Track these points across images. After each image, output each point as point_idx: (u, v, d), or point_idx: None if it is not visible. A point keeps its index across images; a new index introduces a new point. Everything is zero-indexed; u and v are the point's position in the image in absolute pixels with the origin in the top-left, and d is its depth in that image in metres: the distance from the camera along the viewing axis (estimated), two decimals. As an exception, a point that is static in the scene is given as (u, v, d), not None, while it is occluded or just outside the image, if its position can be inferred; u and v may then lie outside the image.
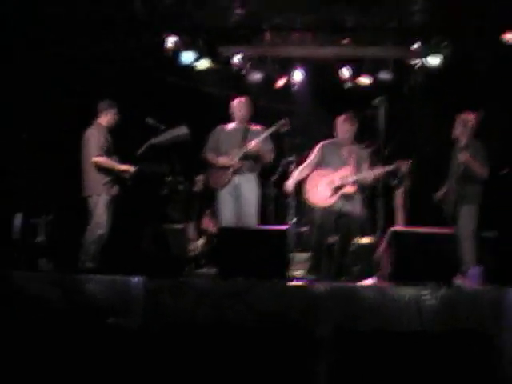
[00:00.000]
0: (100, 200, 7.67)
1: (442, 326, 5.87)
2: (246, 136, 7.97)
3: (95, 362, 5.86)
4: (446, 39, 9.21)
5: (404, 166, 7.64)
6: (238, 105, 8.11)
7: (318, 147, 8.03)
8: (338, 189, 7.73)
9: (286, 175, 8.89)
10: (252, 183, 8.01)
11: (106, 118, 7.89)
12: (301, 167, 8.09)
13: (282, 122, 7.95)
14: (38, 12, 8.55)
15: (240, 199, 7.93)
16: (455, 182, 7.75)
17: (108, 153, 7.76)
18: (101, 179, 7.71)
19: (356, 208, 7.84)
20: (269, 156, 8.06)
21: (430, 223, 7.01)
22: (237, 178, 7.92)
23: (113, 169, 7.76)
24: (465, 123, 7.91)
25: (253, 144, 7.84)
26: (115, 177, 7.79)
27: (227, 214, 7.91)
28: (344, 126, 7.90)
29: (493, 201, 8.01)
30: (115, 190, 7.80)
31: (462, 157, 7.62)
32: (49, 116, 9.06)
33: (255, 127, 8.10)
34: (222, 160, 7.94)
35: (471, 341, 5.81)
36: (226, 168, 7.91)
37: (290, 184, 8.04)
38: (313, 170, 7.96)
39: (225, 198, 7.95)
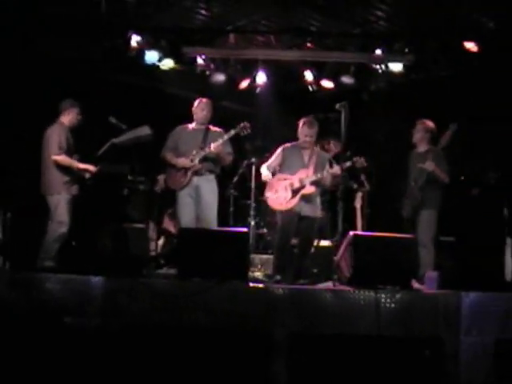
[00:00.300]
0: (61, 199, 7.62)
1: (399, 330, 5.93)
2: (206, 137, 7.93)
3: (52, 361, 5.84)
4: (409, 46, 9.28)
5: (359, 162, 7.68)
6: (199, 105, 8.07)
7: (278, 150, 8.04)
8: (297, 190, 7.75)
9: (246, 177, 8.89)
10: (212, 184, 7.96)
11: (67, 117, 7.83)
12: (266, 164, 8.11)
13: (243, 125, 7.92)
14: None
15: (201, 202, 7.86)
16: (417, 188, 7.82)
17: (69, 152, 7.71)
18: (61, 178, 7.66)
19: (316, 210, 7.88)
20: (228, 159, 8.04)
21: (390, 227, 7.08)
22: (196, 179, 7.87)
23: (73, 168, 7.71)
24: (425, 129, 8.01)
25: (213, 146, 7.79)
26: (75, 176, 7.74)
27: (186, 215, 7.85)
28: (304, 130, 7.90)
29: (451, 206, 8.10)
30: (75, 189, 7.76)
31: (430, 166, 7.69)
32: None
33: (215, 129, 8.07)
34: (182, 161, 7.88)
35: (426, 345, 5.88)
36: (185, 169, 7.86)
37: (265, 172, 8.04)
38: (273, 173, 7.98)
39: (184, 200, 7.88)
